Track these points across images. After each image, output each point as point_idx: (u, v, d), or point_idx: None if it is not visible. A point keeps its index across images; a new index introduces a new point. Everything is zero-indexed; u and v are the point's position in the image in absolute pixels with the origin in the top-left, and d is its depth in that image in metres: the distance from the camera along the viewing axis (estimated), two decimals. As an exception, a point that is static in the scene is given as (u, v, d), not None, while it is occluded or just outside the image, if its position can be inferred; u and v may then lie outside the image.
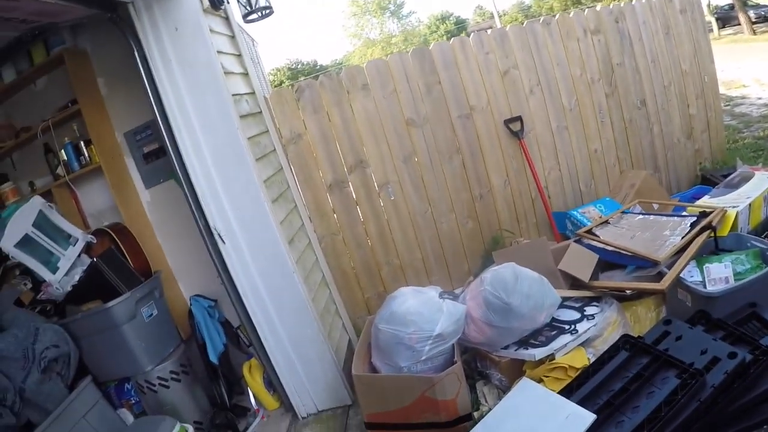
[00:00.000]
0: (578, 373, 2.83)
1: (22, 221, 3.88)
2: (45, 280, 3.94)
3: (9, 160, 4.70)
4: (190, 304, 4.13)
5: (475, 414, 3.11)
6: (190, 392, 3.94)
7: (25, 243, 3.87)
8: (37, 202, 3.98)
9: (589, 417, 2.44)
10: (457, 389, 3.08)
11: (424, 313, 3.17)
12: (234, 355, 4.32)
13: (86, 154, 4.24)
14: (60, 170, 4.36)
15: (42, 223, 3.98)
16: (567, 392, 2.66)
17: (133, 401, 3.98)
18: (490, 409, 2.95)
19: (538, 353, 3.07)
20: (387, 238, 4.51)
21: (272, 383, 4.01)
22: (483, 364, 3.42)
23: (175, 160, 3.52)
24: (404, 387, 3.12)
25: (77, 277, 3.90)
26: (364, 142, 4.35)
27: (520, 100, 4.70)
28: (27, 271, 4.27)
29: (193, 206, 3.57)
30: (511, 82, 4.66)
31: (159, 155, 4.23)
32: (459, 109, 4.53)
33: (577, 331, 3.18)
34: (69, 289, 3.89)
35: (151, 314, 3.84)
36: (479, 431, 2.73)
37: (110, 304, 3.63)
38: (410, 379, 3.12)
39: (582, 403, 2.55)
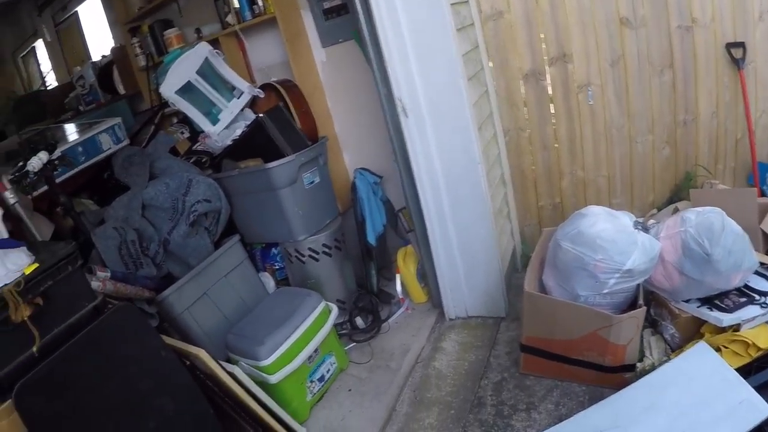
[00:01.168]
0: (760, 353, 2.48)
1: (185, 67, 3.77)
2: (203, 131, 3.88)
3: (175, 5, 4.64)
4: (354, 177, 3.96)
5: (638, 365, 2.82)
6: (338, 269, 3.83)
7: (187, 90, 3.78)
8: (203, 49, 3.84)
9: (765, 410, 2.14)
10: (632, 335, 2.77)
11: (618, 241, 2.79)
12: (390, 238, 4.17)
13: (260, 3, 4.00)
14: (230, 18, 4.19)
15: (206, 71, 3.86)
16: (744, 372, 2.36)
17: (277, 267, 3.96)
18: (653, 364, 2.71)
19: (726, 319, 2.67)
20: (576, 146, 4.06)
21: (425, 276, 3.84)
22: (657, 313, 3.05)
23: (362, 18, 3.17)
24: (578, 318, 2.83)
25: (239, 132, 3.79)
26: (570, 34, 3.84)
27: (747, 25, 4.00)
28: (185, 120, 4.26)
29: (376, 71, 3.25)
30: (741, 1, 3.95)
31: (341, 12, 3.96)
32: (680, 19, 3.90)
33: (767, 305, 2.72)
34: (228, 143, 3.79)
35: (313, 181, 3.68)
36: (641, 388, 2.52)
37: (272, 164, 3.48)
38: (588, 311, 2.81)
39: (760, 390, 2.24)
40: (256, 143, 3.59)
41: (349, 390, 3.43)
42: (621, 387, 2.62)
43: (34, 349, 2.15)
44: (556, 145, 4.07)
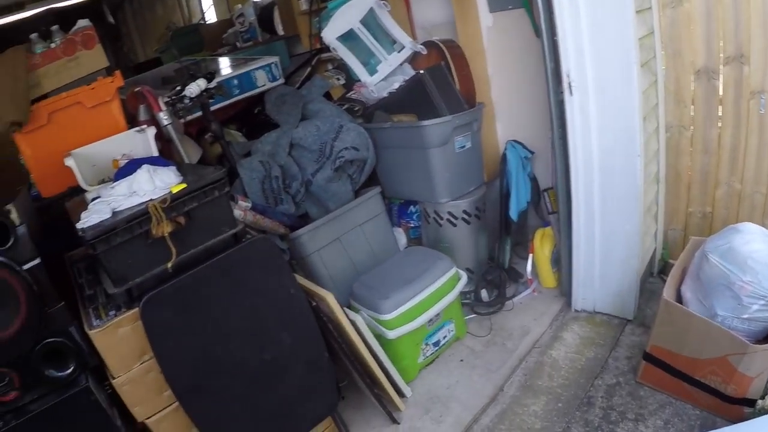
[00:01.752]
0: None
1: (349, 15, 3.82)
2: (359, 80, 3.91)
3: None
4: (506, 149, 3.89)
5: (759, 402, 2.63)
6: (474, 238, 3.80)
7: (348, 38, 3.84)
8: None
9: None
10: (763, 369, 2.59)
11: (772, 267, 2.65)
12: (530, 216, 4.08)
13: (431, -40, 3.98)
14: (399, -29, 4.17)
15: (370, 21, 3.89)
16: None
17: (412, 225, 4.00)
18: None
19: None
20: (738, 155, 3.75)
21: (558, 261, 3.76)
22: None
23: (537, -13, 3.09)
24: (711, 338, 2.68)
25: (396, 85, 3.80)
26: (751, 34, 3.50)
27: None
28: (341, 67, 4.30)
29: (545, 44, 3.14)
30: None
31: (514, -21, 3.85)
32: None
33: None
34: (384, 95, 3.81)
35: (464, 146, 3.64)
36: (757, 426, 2.33)
37: (426, 122, 3.46)
38: (723, 333, 2.65)
39: None
40: (412, 99, 3.59)
41: (461, 360, 3.45)
42: (736, 421, 2.51)
43: (169, 265, 2.30)
44: (718, 151, 3.80)
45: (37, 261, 2.19)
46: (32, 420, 2.23)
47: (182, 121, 3.36)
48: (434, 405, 3.20)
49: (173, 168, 2.46)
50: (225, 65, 4.37)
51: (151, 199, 2.24)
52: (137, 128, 3.05)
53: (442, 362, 3.47)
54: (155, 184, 2.30)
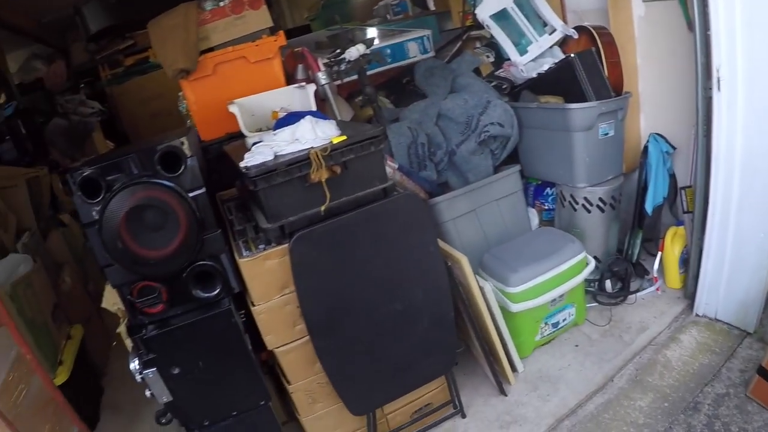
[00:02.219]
0: None
1: None
2: (509, 59, 3.97)
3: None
4: (648, 141, 3.87)
5: None
6: (605, 227, 3.81)
7: (501, 17, 3.91)
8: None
9: None
10: None
11: None
12: (663, 213, 4.06)
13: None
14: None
15: (523, 2, 3.97)
16: None
17: (546, 207, 4.05)
18: None
19: None
20: None
21: (687, 263, 3.70)
22: None
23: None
24: None
25: (545, 67, 3.84)
26: None
27: None
28: (490, 45, 4.38)
29: (697, 38, 3.10)
30: None
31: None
32: None
33: None
34: (532, 75, 3.87)
35: (607, 133, 3.64)
36: None
37: (573, 106, 3.51)
38: None
39: None
40: (560, 82, 3.65)
41: (576, 346, 3.53)
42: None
43: (322, 208, 2.50)
44: None
45: (202, 190, 2.44)
46: (173, 332, 2.52)
47: (336, 83, 3.54)
48: (543, 384, 3.29)
49: (333, 123, 2.65)
50: (373, 35, 4.60)
51: (312, 147, 2.43)
52: (297, 85, 3.27)
53: (557, 344, 3.56)
54: (317, 134, 2.49)
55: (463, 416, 3.18)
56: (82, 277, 4.78)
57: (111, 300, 2.73)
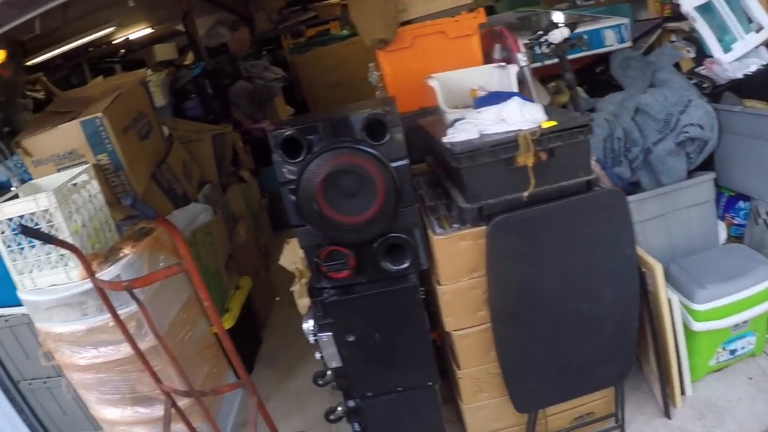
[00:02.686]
0: None
1: None
2: (710, 56, 3.71)
3: None
4: None
5: None
6: None
7: (706, 10, 3.65)
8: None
9: None
10: None
11: None
12: None
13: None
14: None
15: None
16: None
17: (736, 222, 3.72)
18: None
19: None
20: None
21: None
22: None
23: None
24: None
25: (753, 68, 3.57)
26: None
27: None
28: (690, 39, 4.08)
29: None
30: None
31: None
32: None
33: None
34: (737, 76, 3.59)
35: None
36: None
37: None
38: None
39: None
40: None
41: (750, 378, 3.26)
42: None
43: (525, 194, 2.43)
44: None
45: (405, 161, 2.41)
46: (356, 300, 2.53)
47: (533, 66, 3.42)
48: (710, 413, 3.08)
49: (540, 106, 2.54)
50: (561, 19, 4.35)
51: (520, 129, 2.35)
52: (497, 64, 3.17)
53: (730, 373, 3.30)
54: (524, 116, 2.40)
55: (623, 432, 3.07)
56: (254, 233, 5.01)
57: (290, 258, 2.79)
